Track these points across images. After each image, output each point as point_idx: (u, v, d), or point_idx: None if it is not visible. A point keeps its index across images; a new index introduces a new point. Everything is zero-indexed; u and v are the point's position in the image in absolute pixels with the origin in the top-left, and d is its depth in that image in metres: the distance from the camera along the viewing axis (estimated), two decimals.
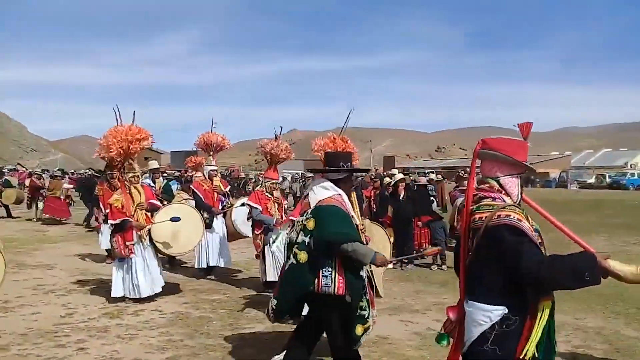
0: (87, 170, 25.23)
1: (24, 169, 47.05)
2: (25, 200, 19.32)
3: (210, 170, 9.24)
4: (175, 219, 7.25)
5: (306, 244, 4.00)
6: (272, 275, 7.65)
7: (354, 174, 5.37)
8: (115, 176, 10.34)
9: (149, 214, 7.48)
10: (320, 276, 3.95)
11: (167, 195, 10.36)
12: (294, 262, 4.03)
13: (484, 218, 2.68)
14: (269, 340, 5.66)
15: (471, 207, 2.81)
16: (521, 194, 2.85)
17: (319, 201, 4.07)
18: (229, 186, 10.42)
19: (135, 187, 7.41)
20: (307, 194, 4.24)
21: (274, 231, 7.64)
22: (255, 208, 7.65)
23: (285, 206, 8.17)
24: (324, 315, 4.13)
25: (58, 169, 27.83)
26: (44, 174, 24.40)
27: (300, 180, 28.10)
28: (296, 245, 4.05)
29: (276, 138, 8.08)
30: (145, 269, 7.26)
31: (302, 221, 4.12)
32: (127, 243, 7.15)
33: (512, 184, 2.81)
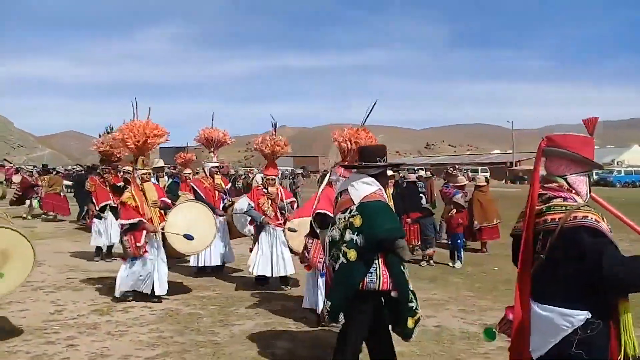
0: (75, 166, 25.02)
1: (11, 165, 46.68)
2: (12, 197, 18.97)
3: (212, 167, 9.00)
4: (188, 237, 7.00)
5: (354, 241, 3.87)
6: (261, 270, 7.72)
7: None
8: (109, 171, 10.29)
9: (162, 211, 7.28)
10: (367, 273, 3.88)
11: (171, 195, 10.09)
12: (344, 261, 3.89)
13: (557, 219, 2.58)
14: (259, 337, 5.68)
15: (540, 208, 2.69)
16: (589, 191, 2.75)
17: (363, 197, 3.95)
18: (230, 184, 10.24)
19: (147, 185, 7.17)
20: (345, 190, 4.10)
21: (265, 228, 7.73)
22: (249, 203, 7.73)
23: (286, 203, 7.92)
24: (361, 314, 4.00)
25: (42, 165, 27.57)
26: (33, 169, 24.12)
27: (290, 177, 28.08)
28: (344, 244, 3.91)
29: (274, 132, 8.06)
30: (156, 268, 7.05)
31: (346, 218, 3.97)
32: (138, 244, 6.90)
33: (580, 182, 2.72)
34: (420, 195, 10.70)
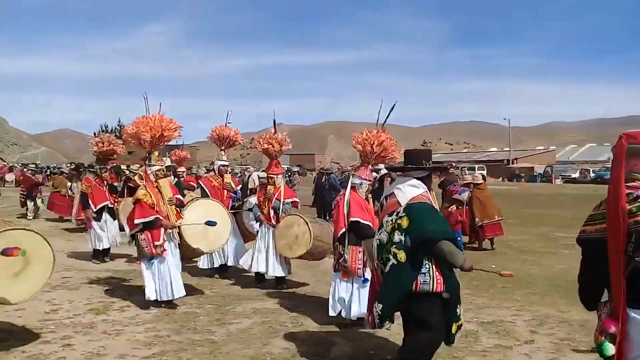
0: (69, 165, 24.86)
1: (4, 163, 46.53)
2: (20, 198, 18.69)
3: (221, 165, 8.78)
4: (211, 223, 6.94)
5: (403, 242, 3.89)
6: (255, 266, 7.75)
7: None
8: (107, 170, 10.15)
9: (178, 209, 7.05)
10: (419, 274, 3.86)
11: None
12: (394, 262, 3.90)
13: None
14: (256, 335, 5.66)
15: (629, 208, 2.57)
16: None
17: (410, 199, 3.98)
18: (240, 185, 10.03)
19: (162, 182, 6.93)
20: (391, 194, 4.14)
21: (261, 226, 7.79)
22: (255, 201, 7.97)
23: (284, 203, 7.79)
24: (423, 316, 3.93)
25: (33, 164, 27.38)
26: (37, 168, 23.78)
27: (287, 174, 28.04)
28: (393, 245, 3.93)
29: (275, 130, 8.03)
30: (172, 270, 6.76)
31: (393, 220, 3.99)
32: (156, 243, 6.61)
33: None
34: None
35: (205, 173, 16.14)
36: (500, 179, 54.60)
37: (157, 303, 6.67)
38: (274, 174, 7.88)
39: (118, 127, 54.29)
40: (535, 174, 54.79)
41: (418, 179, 4.12)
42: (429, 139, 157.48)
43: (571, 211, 20.71)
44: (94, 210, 9.77)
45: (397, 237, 3.92)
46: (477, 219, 11.17)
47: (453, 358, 5.01)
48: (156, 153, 6.97)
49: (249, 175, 21.24)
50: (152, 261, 6.68)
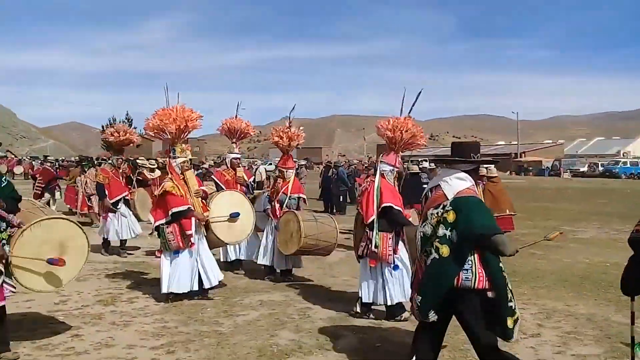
0: (77, 157, 24.98)
1: (13, 156, 46.75)
2: (35, 190, 18.68)
3: (233, 158, 8.62)
4: (235, 215, 7.03)
5: (447, 237, 3.79)
6: (261, 259, 7.83)
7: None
8: (122, 162, 10.10)
9: (204, 201, 6.98)
10: (461, 270, 3.77)
11: None
12: (436, 256, 3.81)
13: None
14: (263, 327, 5.69)
15: None
16: None
17: (457, 192, 3.87)
18: (253, 177, 9.94)
19: (189, 173, 6.88)
20: (437, 186, 4.03)
21: (270, 219, 7.85)
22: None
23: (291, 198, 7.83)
24: (465, 313, 3.86)
25: (44, 156, 27.40)
26: (56, 161, 23.62)
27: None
28: (437, 239, 3.82)
29: (290, 123, 8.01)
30: (205, 260, 6.79)
31: (439, 214, 3.88)
32: (187, 232, 6.55)
33: None
34: (424, 186, 10.68)
35: (212, 166, 16.11)
36: (508, 172, 54.36)
37: (176, 296, 6.62)
38: (284, 168, 7.90)
39: (126, 120, 54.46)
40: (543, 167, 54.54)
41: (465, 171, 4.00)
42: (436, 133, 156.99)
43: (579, 205, 20.65)
44: (111, 201, 9.66)
45: (442, 231, 3.82)
46: None
47: (459, 351, 5.01)
48: (182, 145, 6.87)
49: (256, 169, 21.29)
50: (176, 255, 6.60)
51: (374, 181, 5.96)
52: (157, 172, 13.22)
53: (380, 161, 6.09)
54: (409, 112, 6.01)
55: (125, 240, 9.99)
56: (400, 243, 5.99)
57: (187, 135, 6.97)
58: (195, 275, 6.67)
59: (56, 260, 4.81)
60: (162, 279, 6.60)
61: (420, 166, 12.29)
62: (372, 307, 6.06)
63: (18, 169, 34.90)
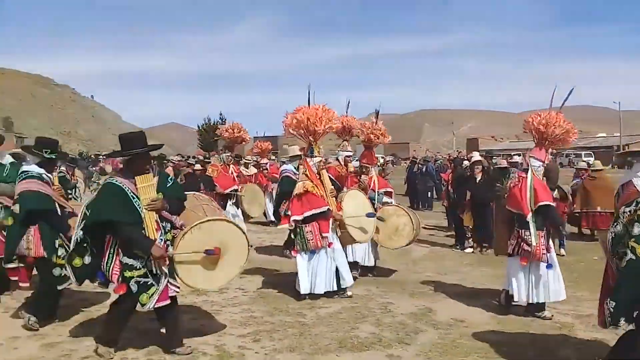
0: (176, 156, 26.31)
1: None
2: None
3: (346, 156, 8.52)
4: (371, 215, 7.04)
5: None
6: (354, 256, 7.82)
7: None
8: (231, 159, 10.41)
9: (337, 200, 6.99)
10: None
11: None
12: (632, 257, 3.54)
13: None
14: (345, 320, 5.83)
15: None
16: None
17: None
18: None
19: (324, 173, 6.94)
20: (629, 182, 3.81)
21: None
22: None
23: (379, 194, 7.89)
24: None
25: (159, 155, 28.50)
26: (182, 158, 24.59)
27: (379, 164, 27.85)
28: (632, 239, 3.56)
29: (377, 119, 8.01)
30: (341, 258, 6.82)
31: (632, 211, 3.63)
32: (324, 235, 6.60)
33: None
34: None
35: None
36: (610, 166, 50.93)
37: (308, 296, 6.64)
38: (368, 164, 7.96)
39: (220, 120, 56.66)
40: None
41: None
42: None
43: None
44: (218, 191, 9.65)
45: (637, 229, 3.56)
46: (574, 206, 10.70)
47: (544, 349, 4.88)
48: (318, 144, 6.88)
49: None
50: (312, 254, 6.66)
51: (524, 177, 5.92)
52: (253, 169, 13.61)
53: (530, 157, 6.06)
54: (560, 108, 6.02)
55: None
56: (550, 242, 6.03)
57: (325, 134, 6.94)
58: (333, 275, 6.71)
59: (212, 251, 4.79)
60: (301, 280, 6.65)
61: (511, 160, 11.86)
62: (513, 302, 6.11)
63: (108, 168, 36.95)
